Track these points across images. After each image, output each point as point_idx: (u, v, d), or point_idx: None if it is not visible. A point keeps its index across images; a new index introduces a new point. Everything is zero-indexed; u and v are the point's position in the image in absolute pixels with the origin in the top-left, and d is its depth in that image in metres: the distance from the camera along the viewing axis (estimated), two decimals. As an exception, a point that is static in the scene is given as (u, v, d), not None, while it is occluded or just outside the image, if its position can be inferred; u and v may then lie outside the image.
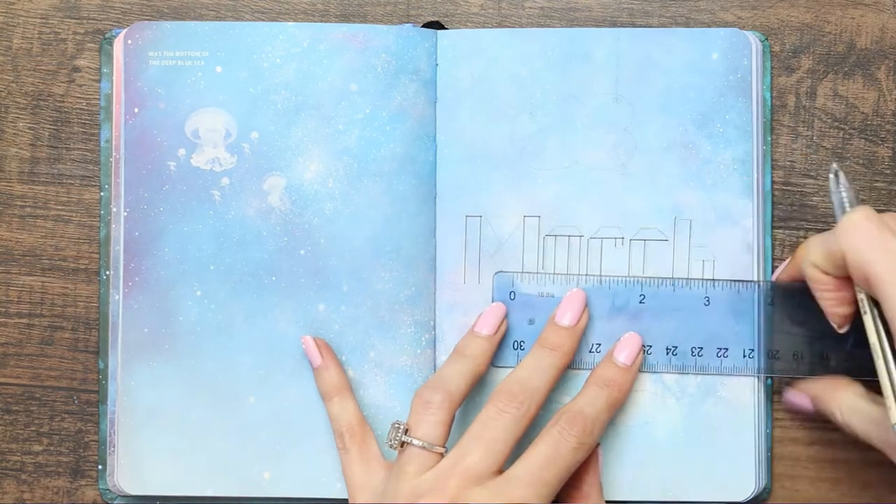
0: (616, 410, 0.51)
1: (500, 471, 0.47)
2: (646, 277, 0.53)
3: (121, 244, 0.53)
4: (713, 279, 0.52)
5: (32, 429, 0.54)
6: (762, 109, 0.53)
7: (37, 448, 0.54)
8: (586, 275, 0.53)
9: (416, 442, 0.48)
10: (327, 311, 0.53)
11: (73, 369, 0.54)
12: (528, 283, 0.53)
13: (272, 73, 0.53)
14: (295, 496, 0.53)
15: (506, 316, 0.52)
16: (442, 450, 0.48)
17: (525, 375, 0.49)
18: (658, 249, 0.53)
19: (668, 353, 0.52)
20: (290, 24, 0.53)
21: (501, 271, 0.53)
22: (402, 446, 0.49)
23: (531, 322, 0.53)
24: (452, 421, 0.49)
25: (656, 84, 0.53)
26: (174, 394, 0.53)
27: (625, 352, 0.51)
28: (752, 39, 0.53)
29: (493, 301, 0.53)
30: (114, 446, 0.53)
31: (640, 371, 0.52)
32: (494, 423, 0.48)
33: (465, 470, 0.46)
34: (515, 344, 0.53)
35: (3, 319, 0.54)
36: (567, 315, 0.51)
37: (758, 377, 0.52)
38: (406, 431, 0.49)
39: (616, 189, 0.53)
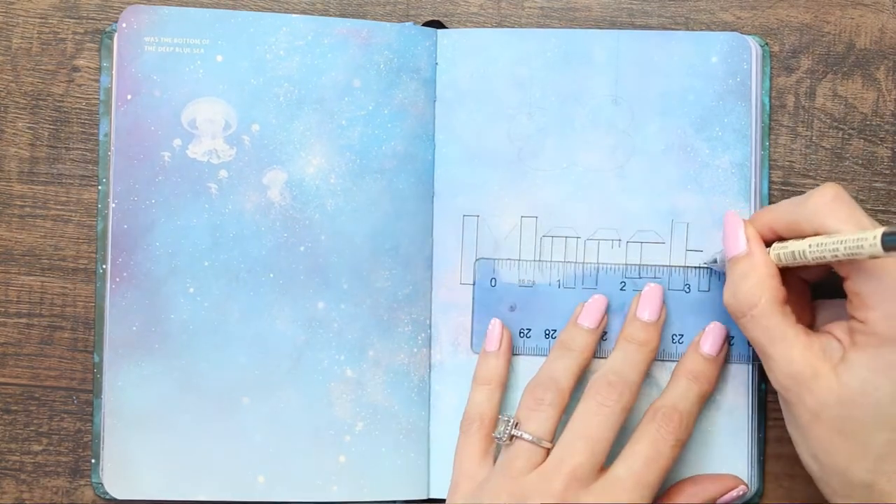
0: (705, 403, 0.51)
1: (602, 468, 0.47)
2: (627, 264, 0.52)
3: (109, 238, 0.52)
4: (697, 266, 0.52)
5: (32, 429, 0.54)
6: (761, 114, 0.53)
7: (36, 448, 0.54)
8: (563, 261, 0.53)
9: (526, 436, 0.48)
10: (327, 310, 0.52)
11: (73, 369, 0.54)
12: (508, 269, 0.53)
13: (275, 64, 0.52)
14: (290, 501, 0.52)
15: (607, 309, 0.52)
16: (550, 445, 0.48)
17: (619, 367, 0.50)
18: (654, 252, 0.53)
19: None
20: (294, 15, 0.53)
21: (482, 258, 0.53)
22: (510, 440, 0.49)
23: (512, 309, 0.53)
24: (561, 418, 0.49)
25: (655, 86, 0.53)
26: (164, 395, 0.52)
27: (709, 342, 0.51)
28: (752, 44, 0.53)
29: (473, 288, 0.53)
30: (103, 443, 0.52)
31: None
32: (596, 420, 0.48)
33: (572, 471, 0.47)
34: None
35: (2, 319, 0.54)
36: (647, 310, 0.52)
37: (750, 375, 0.52)
38: (516, 425, 0.49)
39: (613, 191, 0.53)
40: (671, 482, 0.52)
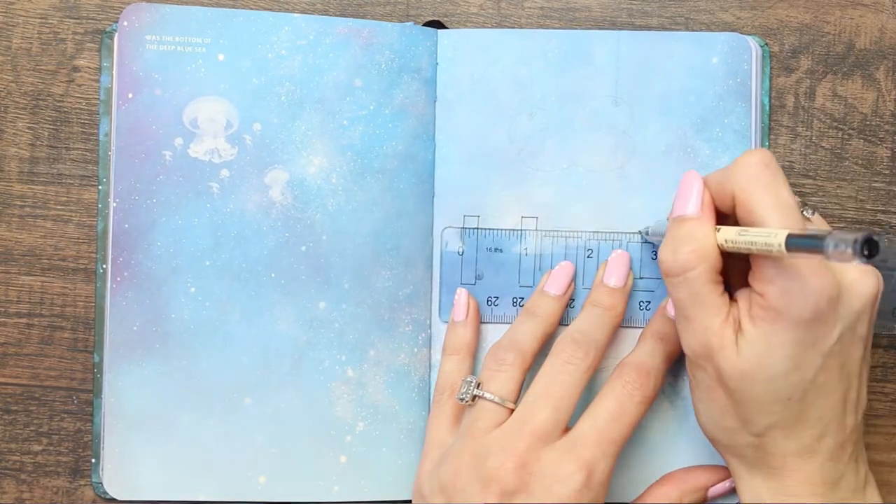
0: (672, 363, 0.51)
1: (567, 428, 0.47)
2: (592, 232, 0.53)
3: (110, 237, 0.52)
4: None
5: (32, 429, 0.54)
6: (760, 114, 0.53)
7: (36, 448, 0.54)
8: (532, 230, 0.53)
9: (487, 395, 0.48)
10: (328, 310, 0.52)
11: (73, 369, 0.54)
12: (474, 238, 0.53)
13: (277, 64, 0.52)
14: (291, 501, 0.52)
15: (574, 276, 0.53)
16: (513, 406, 0.48)
17: (584, 327, 0.50)
18: (654, 252, 0.53)
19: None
20: (296, 15, 0.53)
21: (449, 227, 0.53)
22: (473, 401, 0.49)
23: (479, 277, 0.53)
24: (524, 380, 0.49)
25: (656, 87, 0.53)
26: (165, 395, 0.52)
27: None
28: (752, 44, 0.53)
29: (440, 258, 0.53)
30: (103, 443, 0.52)
31: None
32: (561, 378, 0.48)
33: (534, 430, 0.47)
34: None
35: (2, 319, 0.54)
36: (613, 276, 0.52)
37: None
38: (479, 386, 0.49)
39: (614, 191, 0.53)
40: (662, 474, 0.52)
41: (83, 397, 0.54)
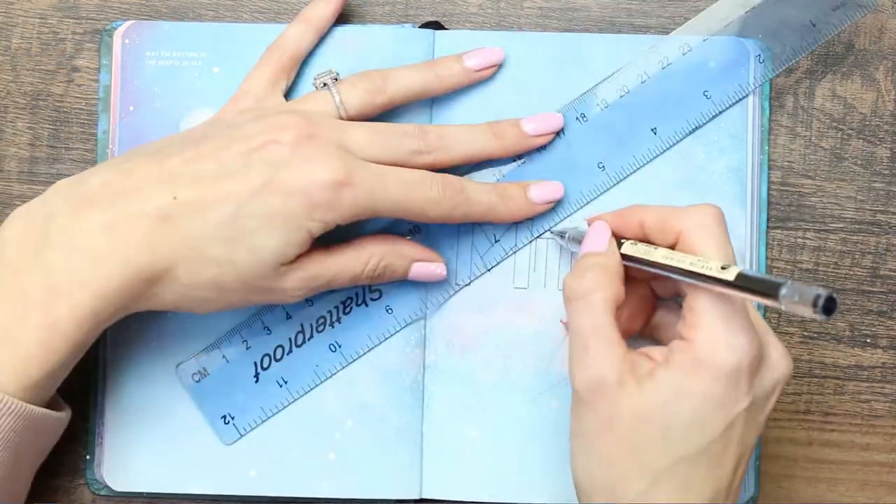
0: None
1: None
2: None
3: None
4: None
5: (31, 428, 0.54)
6: (760, 118, 0.53)
7: (35, 447, 0.54)
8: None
9: (335, 92, 0.50)
10: (316, 306, 0.53)
11: (72, 369, 0.54)
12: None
13: None
14: (280, 495, 0.53)
15: None
16: (346, 116, 0.50)
17: (451, 131, 0.51)
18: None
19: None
20: (287, 25, 0.53)
21: None
22: (322, 87, 0.51)
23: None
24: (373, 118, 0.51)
25: (653, 90, 0.53)
26: (161, 390, 0.52)
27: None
28: (752, 48, 0.53)
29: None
30: (101, 438, 0.53)
31: None
32: (396, 140, 0.49)
33: (343, 124, 0.48)
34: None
35: (1, 319, 0.54)
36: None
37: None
38: (336, 80, 0.51)
39: (610, 194, 0.53)
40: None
41: (82, 397, 0.54)
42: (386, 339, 0.53)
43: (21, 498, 0.49)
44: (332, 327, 0.53)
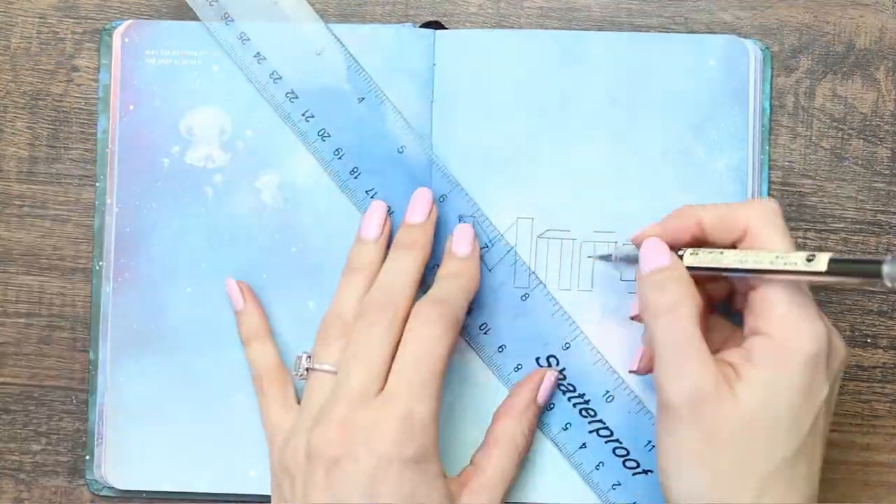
0: (470, 297, 0.50)
1: (385, 383, 0.46)
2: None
3: (112, 239, 0.53)
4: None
5: (31, 428, 0.54)
6: (760, 117, 0.53)
7: (35, 448, 0.54)
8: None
9: (317, 366, 0.48)
10: (317, 309, 0.53)
11: (72, 369, 0.54)
12: None
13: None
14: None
15: (388, 213, 0.51)
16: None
17: (387, 280, 0.49)
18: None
19: None
20: (287, 24, 0.53)
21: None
22: (307, 373, 0.49)
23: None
24: None
25: (653, 89, 0.53)
26: (162, 390, 0.53)
27: (462, 243, 0.50)
28: (751, 47, 0.53)
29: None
30: (102, 438, 0.53)
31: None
32: (367, 338, 0.47)
33: (348, 392, 0.46)
34: None
35: (1, 319, 0.54)
36: (417, 213, 0.50)
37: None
38: (309, 358, 0.49)
39: (610, 193, 0.53)
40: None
41: (82, 397, 0.54)
42: None
43: None
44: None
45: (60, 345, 0.54)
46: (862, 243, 0.54)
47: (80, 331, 0.54)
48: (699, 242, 0.46)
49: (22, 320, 0.54)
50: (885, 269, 0.37)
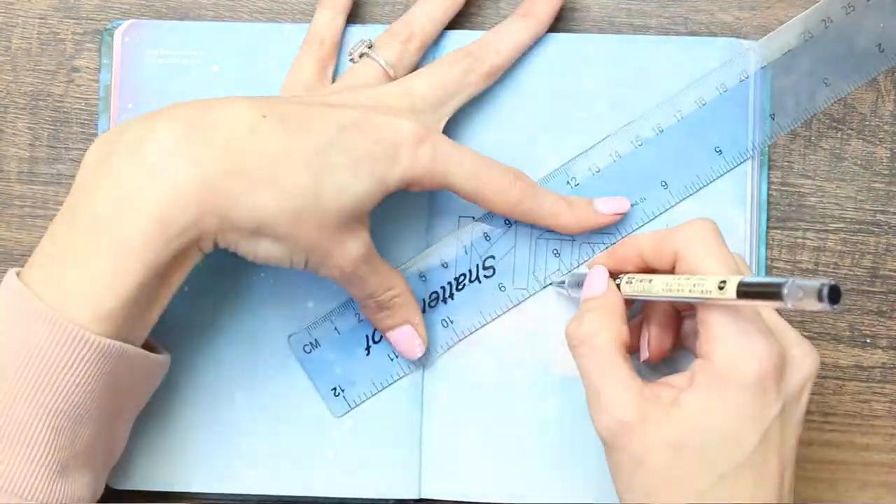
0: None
1: None
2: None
3: None
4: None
5: (31, 428, 0.54)
6: (761, 119, 0.53)
7: (35, 447, 0.54)
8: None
9: (374, 56, 0.49)
10: (315, 309, 0.53)
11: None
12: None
13: (269, 73, 0.53)
14: (279, 494, 0.53)
15: None
16: (394, 76, 0.50)
17: (489, 36, 0.50)
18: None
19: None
20: (287, 25, 0.54)
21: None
22: (360, 58, 0.50)
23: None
24: (416, 62, 0.51)
25: (652, 92, 0.53)
26: (160, 389, 0.52)
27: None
28: (752, 49, 0.53)
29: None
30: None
31: None
32: (447, 68, 0.49)
33: (411, 96, 0.48)
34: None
35: (1, 318, 0.55)
36: None
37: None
38: (370, 46, 0.50)
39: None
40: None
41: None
42: (498, 315, 0.53)
43: (118, 448, 0.48)
44: (445, 303, 0.53)
45: (61, 345, 0.54)
46: (861, 243, 0.54)
47: (80, 331, 0.54)
48: (646, 270, 0.47)
49: (22, 320, 0.54)
50: (785, 290, 0.37)
